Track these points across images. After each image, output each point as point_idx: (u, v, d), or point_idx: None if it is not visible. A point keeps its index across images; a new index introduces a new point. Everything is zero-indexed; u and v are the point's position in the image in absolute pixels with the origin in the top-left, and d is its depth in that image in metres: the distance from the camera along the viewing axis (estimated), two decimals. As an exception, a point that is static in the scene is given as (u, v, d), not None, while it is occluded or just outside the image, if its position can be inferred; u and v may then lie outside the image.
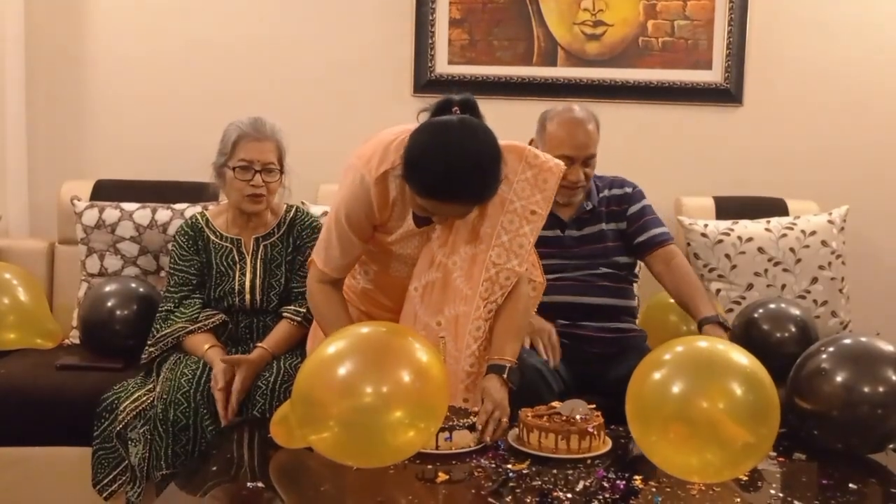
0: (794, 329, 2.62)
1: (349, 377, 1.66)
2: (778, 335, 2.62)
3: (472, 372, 2.03)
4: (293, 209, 2.57)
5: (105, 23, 3.28)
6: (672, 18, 3.28)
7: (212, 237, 2.50)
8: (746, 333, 2.63)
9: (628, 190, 2.60)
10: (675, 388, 1.64)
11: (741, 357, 1.69)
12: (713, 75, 3.29)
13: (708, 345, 1.75)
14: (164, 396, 2.23)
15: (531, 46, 3.31)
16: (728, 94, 3.28)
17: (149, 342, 2.43)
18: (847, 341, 1.97)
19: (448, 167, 1.82)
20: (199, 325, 2.41)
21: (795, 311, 2.68)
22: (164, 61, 3.29)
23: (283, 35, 3.29)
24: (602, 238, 2.55)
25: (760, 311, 2.69)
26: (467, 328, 2.03)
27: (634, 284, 2.65)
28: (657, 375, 1.68)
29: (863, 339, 1.96)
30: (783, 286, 2.91)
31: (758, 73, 3.28)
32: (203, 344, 2.36)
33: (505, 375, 1.96)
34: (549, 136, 2.45)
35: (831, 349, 1.96)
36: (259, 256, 2.49)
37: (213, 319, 2.43)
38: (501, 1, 3.29)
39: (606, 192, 2.59)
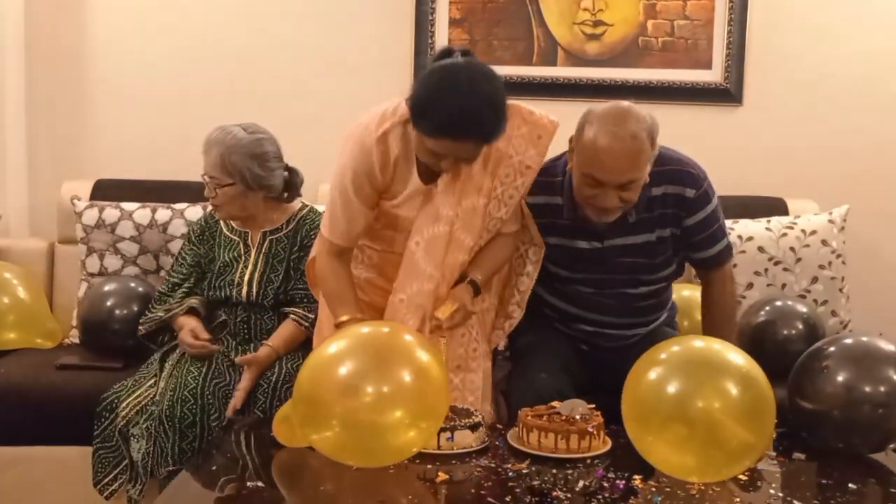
0: (801, 326, 2.65)
1: (350, 377, 1.66)
2: (785, 332, 2.64)
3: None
4: (306, 208, 2.58)
5: (105, 22, 3.28)
6: (672, 18, 3.28)
7: (224, 229, 2.55)
8: (754, 331, 2.65)
9: (689, 194, 2.15)
10: (671, 388, 1.65)
11: (737, 356, 1.70)
12: (713, 75, 3.29)
13: (703, 344, 1.76)
14: (171, 393, 2.25)
15: (531, 46, 3.31)
16: (728, 93, 3.28)
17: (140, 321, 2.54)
18: (848, 341, 1.98)
19: (462, 104, 1.85)
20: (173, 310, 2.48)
21: (803, 308, 2.70)
22: (165, 60, 3.28)
23: (283, 35, 3.28)
24: (648, 251, 2.21)
25: (767, 308, 2.71)
26: (455, 275, 2.13)
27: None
28: (653, 375, 1.68)
29: (864, 338, 1.97)
30: (783, 285, 2.92)
31: (758, 72, 3.28)
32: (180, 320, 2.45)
33: (467, 282, 2.12)
34: (582, 144, 2.04)
35: (833, 349, 1.96)
36: (263, 250, 2.50)
37: (188, 302, 2.49)
38: (501, 1, 3.29)
39: (660, 190, 2.15)
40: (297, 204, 2.57)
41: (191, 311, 2.47)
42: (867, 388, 1.87)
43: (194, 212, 2.88)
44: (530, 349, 2.31)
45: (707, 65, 3.29)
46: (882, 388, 1.87)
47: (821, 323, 2.73)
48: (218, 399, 2.26)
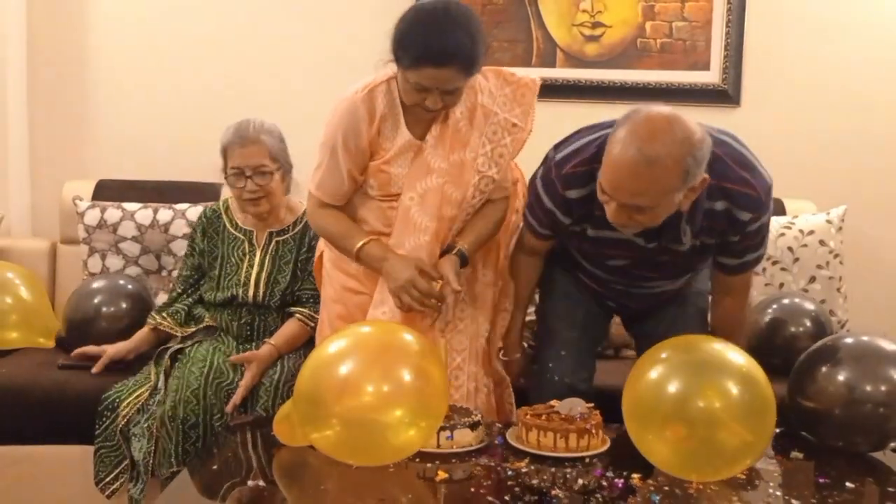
0: (809, 323, 2.67)
1: (351, 376, 1.68)
2: (793, 330, 2.66)
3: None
4: None
5: (107, 23, 3.30)
6: (670, 20, 3.29)
7: (228, 226, 2.55)
8: (761, 328, 2.68)
9: (744, 217, 1.93)
10: (671, 388, 1.66)
11: (736, 355, 1.71)
12: (711, 76, 3.30)
13: (703, 344, 1.77)
14: (174, 394, 2.25)
15: (530, 48, 3.32)
16: (726, 94, 3.29)
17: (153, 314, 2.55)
18: (849, 340, 1.99)
19: (439, 30, 1.93)
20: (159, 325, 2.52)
21: (810, 306, 2.73)
22: (166, 61, 3.30)
23: (283, 36, 3.30)
24: (688, 254, 2.04)
25: (774, 305, 2.74)
26: (454, 227, 2.18)
27: None
28: (653, 375, 1.69)
29: (864, 337, 1.98)
30: (781, 285, 2.93)
31: (755, 73, 3.29)
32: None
33: (454, 253, 2.14)
34: (606, 156, 1.83)
35: (833, 348, 1.97)
36: (269, 251, 2.51)
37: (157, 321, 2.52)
38: (500, 2, 3.31)
39: (718, 206, 1.93)
40: (301, 205, 2.58)
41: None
42: (868, 388, 1.88)
43: (196, 212, 2.89)
44: (552, 312, 2.30)
45: (705, 66, 3.30)
46: (883, 388, 1.88)
47: (828, 319, 2.75)
48: (220, 399, 2.27)
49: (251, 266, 2.49)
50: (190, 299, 2.55)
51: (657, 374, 1.69)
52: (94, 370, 2.48)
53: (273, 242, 2.52)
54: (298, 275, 2.50)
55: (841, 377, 1.92)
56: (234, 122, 2.49)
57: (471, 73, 2.01)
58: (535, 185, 2.09)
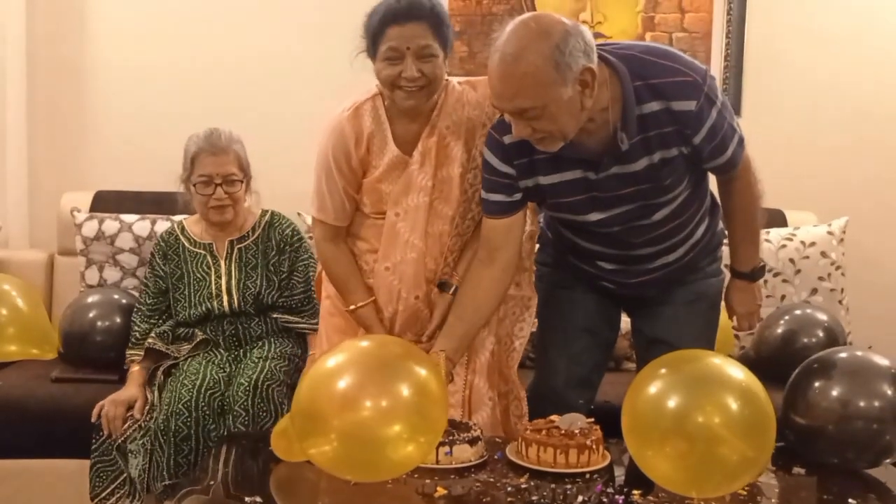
0: (822, 334, 2.68)
1: (349, 391, 1.66)
2: (805, 340, 2.67)
3: (446, 272, 2.17)
4: (268, 213, 2.60)
5: (106, 34, 3.30)
6: (670, 31, 3.29)
7: (186, 244, 2.56)
8: (774, 340, 2.70)
9: (690, 107, 1.81)
10: (671, 403, 1.64)
11: (736, 371, 1.70)
12: (712, 87, 3.30)
13: (703, 359, 1.75)
14: (166, 407, 2.25)
15: (530, 58, 3.32)
16: (726, 105, 3.29)
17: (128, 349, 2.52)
18: (843, 355, 1.97)
19: None
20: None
21: (823, 317, 2.74)
22: (165, 73, 3.30)
23: (280, 50, 3.29)
24: (651, 175, 1.91)
25: (787, 317, 2.74)
26: (447, 244, 2.14)
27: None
28: (653, 390, 1.68)
29: (858, 353, 1.96)
30: (783, 297, 2.93)
31: (756, 84, 3.29)
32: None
33: (451, 292, 2.12)
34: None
35: (827, 364, 1.96)
36: (233, 259, 2.52)
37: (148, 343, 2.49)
38: (499, 13, 3.30)
39: (652, 107, 1.83)
40: (257, 210, 2.60)
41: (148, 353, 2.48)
42: (861, 403, 1.86)
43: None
44: (550, 321, 2.23)
45: (705, 77, 3.30)
46: (876, 403, 1.86)
47: (841, 330, 2.74)
48: (213, 411, 2.26)
49: (219, 277, 2.50)
50: (167, 325, 2.51)
51: (656, 389, 1.67)
52: (117, 436, 2.34)
53: (235, 250, 2.53)
54: (273, 279, 2.50)
55: (834, 393, 1.89)
56: (202, 131, 2.52)
57: (439, 31, 1.98)
58: (483, 149, 2.04)
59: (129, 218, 2.92)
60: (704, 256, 2.16)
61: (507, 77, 1.74)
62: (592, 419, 1.93)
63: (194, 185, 2.47)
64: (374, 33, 1.99)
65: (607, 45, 1.93)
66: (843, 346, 2.18)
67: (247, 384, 2.29)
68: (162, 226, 2.88)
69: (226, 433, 2.23)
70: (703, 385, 1.67)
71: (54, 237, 3.11)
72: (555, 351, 2.20)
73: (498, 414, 2.23)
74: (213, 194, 2.45)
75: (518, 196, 2.02)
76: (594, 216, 2.00)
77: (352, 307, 2.15)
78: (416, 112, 2.06)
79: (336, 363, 1.71)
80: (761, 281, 2.20)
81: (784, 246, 2.95)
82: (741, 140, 1.96)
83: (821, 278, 2.94)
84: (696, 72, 1.85)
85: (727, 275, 2.20)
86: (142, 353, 2.47)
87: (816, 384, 1.93)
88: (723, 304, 2.21)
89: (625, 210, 1.98)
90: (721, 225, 2.18)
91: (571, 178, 1.95)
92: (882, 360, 1.91)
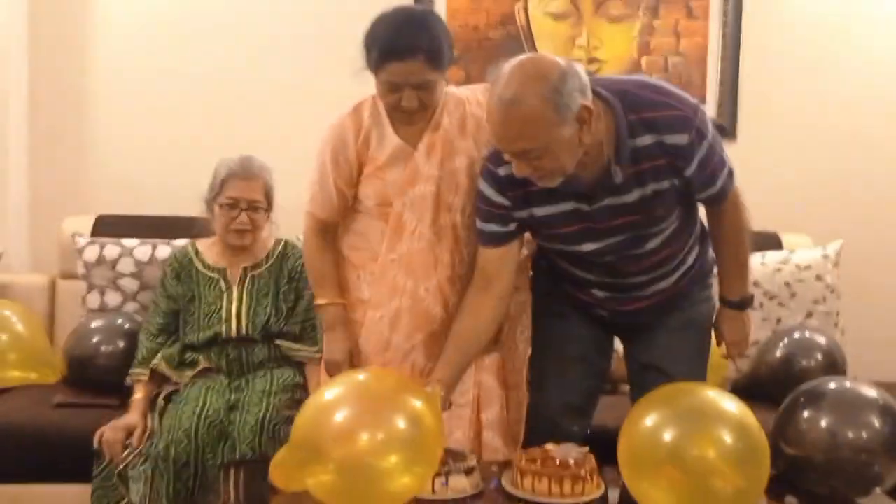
0: (821, 357, 2.71)
1: (346, 423, 1.69)
2: (804, 363, 2.70)
3: (459, 274, 2.16)
4: (282, 242, 2.64)
5: (107, 59, 3.32)
6: (665, 55, 3.33)
7: (199, 267, 2.58)
8: (774, 363, 2.73)
9: (682, 140, 1.86)
10: (666, 435, 1.67)
11: (731, 403, 1.72)
12: (707, 110, 3.29)
13: (698, 392, 1.78)
14: (166, 434, 2.27)
15: (527, 82, 3.35)
16: (722, 129, 3.27)
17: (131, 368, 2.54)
18: (831, 386, 1.99)
19: (402, 27, 2.00)
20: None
21: (821, 340, 2.76)
22: (166, 98, 3.32)
23: (281, 78, 3.32)
24: (643, 207, 1.95)
25: (786, 340, 2.78)
26: (460, 236, 2.14)
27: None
28: (648, 422, 1.70)
29: (847, 383, 1.98)
30: (778, 320, 2.95)
31: (751, 108, 3.33)
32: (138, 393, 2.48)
33: None
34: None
35: (815, 394, 1.98)
36: (245, 285, 2.55)
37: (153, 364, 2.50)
38: (497, 39, 3.34)
39: (646, 140, 1.87)
40: (270, 239, 2.63)
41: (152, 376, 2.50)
42: (850, 434, 1.88)
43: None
44: (544, 350, 2.23)
45: (701, 100, 3.31)
46: (864, 434, 1.88)
47: (840, 353, 2.77)
48: (213, 439, 2.27)
49: (230, 302, 2.53)
50: (174, 348, 2.53)
51: (652, 421, 1.70)
52: (118, 462, 2.35)
53: (248, 277, 2.56)
54: (282, 308, 2.53)
55: (823, 423, 1.91)
56: (236, 156, 2.56)
57: (437, 64, 2.01)
58: (479, 180, 2.07)
59: (130, 242, 2.94)
60: (696, 283, 2.19)
61: (508, 121, 1.78)
62: (587, 447, 1.95)
63: (220, 206, 2.50)
64: (374, 64, 2.02)
65: (600, 79, 1.98)
66: (832, 377, 2.18)
67: (253, 422, 2.29)
68: (163, 251, 2.90)
69: (225, 461, 2.24)
70: (698, 417, 1.70)
71: (56, 261, 3.12)
72: (549, 380, 2.22)
73: (505, 414, 2.23)
74: (238, 218, 2.49)
75: (513, 226, 2.05)
76: (587, 246, 2.03)
77: (322, 302, 2.19)
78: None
79: (333, 395, 1.75)
80: (755, 305, 2.22)
81: (779, 270, 2.97)
82: (731, 172, 2.02)
83: (816, 302, 2.96)
84: (687, 106, 1.91)
85: (717, 300, 2.23)
86: (147, 373, 2.49)
87: (805, 414, 1.95)
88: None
89: (618, 240, 2.01)
90: (712, 252, 2.21)
91: (565, 209, 1.99)
92: (870, 391, 1.93)
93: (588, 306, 2.19)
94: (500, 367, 2.24)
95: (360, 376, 1.83)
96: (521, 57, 1.83)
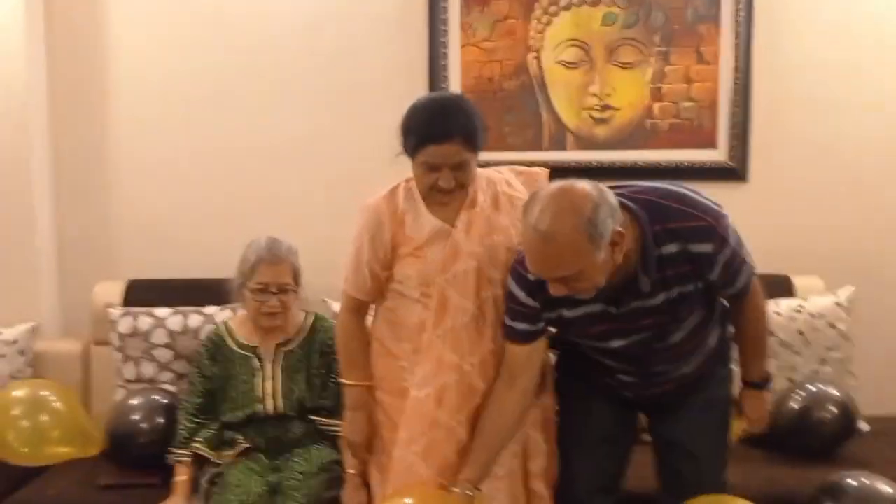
0: (836, 410, 2.79)
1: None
2: (819, 416, 2.78)
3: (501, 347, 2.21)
4: (312, 316, 2.70)
5: (130, 123, 3.36)
6: (677, 100, 3.36)
7: (233, 346, 2.65)
8: (790, 416, 2.79)
9: (706, 249, 1.95)
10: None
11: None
12: (719, 154, 3.38)
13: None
14: None
15: (540, 132, 3.40)
16: (734, 172, 3.36)
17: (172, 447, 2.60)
18: (851, 482, 2.07)
19: (433, 109, 2.15)
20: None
21: (836, 392, 2.83)
22: (191, 162, 3.37)
23: (309, 135, 3.36)
24: (668, 308, 2.04)
25: (802, 393, 2.84)
26: (502, 310, 2.19)
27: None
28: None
29: (865, 480, 2.06)
30: (792, 368, 3.02)
31: (762, 151, 3.36)
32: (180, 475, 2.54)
33: None
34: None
35: (837, 489, 2.06)
36: (279, 363, 2.62)
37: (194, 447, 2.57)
38: (511, 89, 3.38)
39: (672, 248, 1.96)
40: (300, 314, 2.69)
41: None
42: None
43: (224, 315, 2.98)
44: (570, 430, 2.32)
45: (712, 144, 3.38)
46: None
47: (853, 404, 2.84)
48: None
49: (265, 380, 2.60)
50: (213, 427, 2.60)
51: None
52: None
53: (281, 354, 2.63)
54: (315, 383, 2.60)
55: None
56: (262, 239, 2.61)
57: (473, 145, 2.14)
58: (508, 278, 2.15)
59: (162, 312, 3.02)
60: (717, 362, 2.29)
61: (546, 256, 1.87)
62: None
63: (251, 291, 2.57)
64: (412, 148, 2.13)
65: (623, 187, 2.04)
66: (854, 472, 2.26)
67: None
68: (194, 319, 2.98)
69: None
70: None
71: (88, 327, 3.19)
72: (576, 461, 2.31)
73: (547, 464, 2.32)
74: (268, 301, 2.56)
75: (541, 325, 2.15)
76: (615, 343, 2.13)
77: (350, 382, 2.29)
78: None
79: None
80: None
81: (793, 318, 3.04)
82: (752, 270, 2.11)
83: (829, 349, 3.03)
84: (710, 214, 2.00)
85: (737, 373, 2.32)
86: (189, 455, 2.56)
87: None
88: None
89: (643, 336, 2.11)
90: (730, 328, 2.29)
91: (593, 311, 2.07)
92: (887, 488, 2.00)
93: (612, 389, 2.29)
94: (546, 422, 2.32)
95: (407, 500, 1.91)
96: (553, 187, 1.91)
